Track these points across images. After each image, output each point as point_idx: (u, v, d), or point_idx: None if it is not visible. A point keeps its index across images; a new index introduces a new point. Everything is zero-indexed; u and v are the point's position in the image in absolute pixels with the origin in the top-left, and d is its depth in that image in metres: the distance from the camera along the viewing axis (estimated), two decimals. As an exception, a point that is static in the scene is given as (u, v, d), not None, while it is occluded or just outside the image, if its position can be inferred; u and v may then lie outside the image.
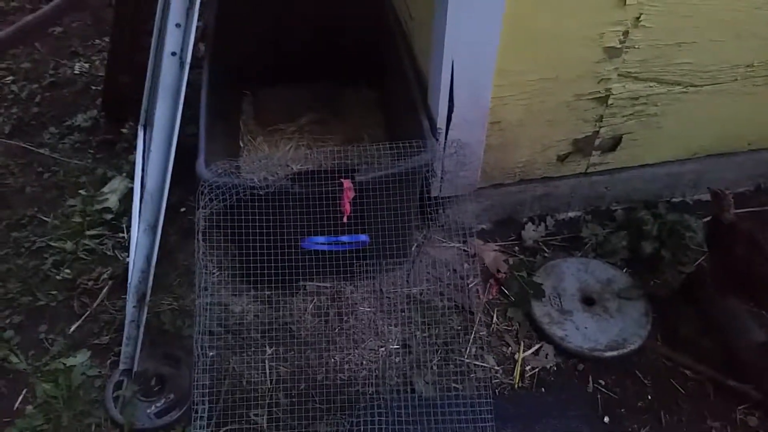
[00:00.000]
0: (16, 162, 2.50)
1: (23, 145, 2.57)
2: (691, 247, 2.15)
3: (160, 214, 1.52)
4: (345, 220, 1.73)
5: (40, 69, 2.95)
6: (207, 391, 1.57)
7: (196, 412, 1.53)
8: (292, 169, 1.78)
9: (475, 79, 1.80)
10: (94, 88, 2.82)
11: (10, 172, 2.46)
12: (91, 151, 2.51)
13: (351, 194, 1.68)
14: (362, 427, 1.62)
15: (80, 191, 2.31)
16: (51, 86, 2.86)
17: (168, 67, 1.41)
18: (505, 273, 2.11)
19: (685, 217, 2.21)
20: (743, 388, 1.82)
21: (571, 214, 2.31)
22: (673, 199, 2.36)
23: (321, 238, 1.74)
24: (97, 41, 3.11)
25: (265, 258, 1.72)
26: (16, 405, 1.78)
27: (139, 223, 1.54)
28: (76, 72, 2.92)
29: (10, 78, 2.92)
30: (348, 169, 1.67)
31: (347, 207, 1.70)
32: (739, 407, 1.80)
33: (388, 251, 1.87)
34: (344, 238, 1.76)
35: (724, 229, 1.87)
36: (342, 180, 1.66)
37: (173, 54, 1.41)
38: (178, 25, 1.39)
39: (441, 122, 1.90)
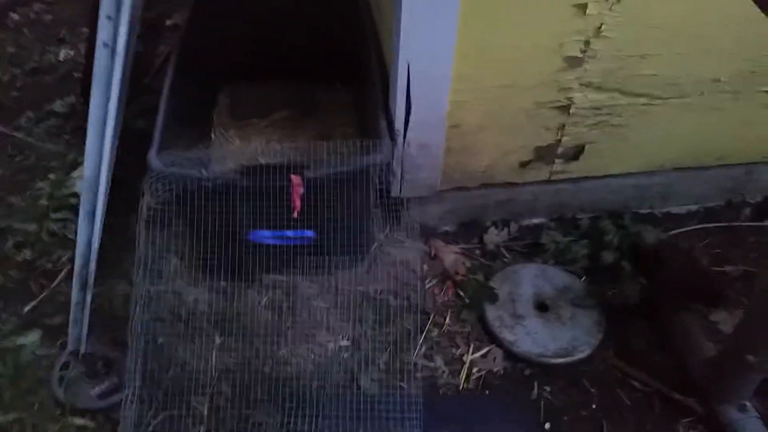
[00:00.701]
0: (-11, 145, 2.55)
1: (-1, 129, 2.61)
2: (651, 259, 2.16)
3: (97, 201, 1.55)
4: (295, 215, 1.74)
5: (25, 55, 3.00)
6: (139, 376, 1.59)
7: (126, 397, 1.56)
8: (241, 163, 1.79)
9: (431, 82, 1.81)
10: (76, 74, 2.86)
11: (-18, 155, 2.50)
12: (66, 137, 2.55)
13: (300, 190, 1.70)
14: (294, 420, 1.64)
15: (50, 175, 2.35)
16: (33, 72, 2.90)
17: (100, 58, 1.44)
18: (463, 276, 2.12)
19: (648, 229, 2.21)
20: (688, 401, 1.82)
21: (535, 221, 2.32)
22: (641, 211, 2.36)
23: (267, 232, 1.76)
24: (85, 29, 3.14)
25: (215, 249, 1.74)
26: (-38, 382, 1.82)
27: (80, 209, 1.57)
28: (60, 59, 2.97)
29: (-6, 62, 2.97)
30: (298, 165, 1.69)
31: (297, 202, 1.72)
32: (683, 420, 1.80)
33: (341, 249, 1.89)
34: (289, 233, 1.78)
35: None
36: (291, 175, 1.68)
37: (105, 45, 1.44)
38: (109, 18, 1.42)
39: (399, 123, 1.91)
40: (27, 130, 2.58)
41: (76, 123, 2.58)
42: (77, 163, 2.36)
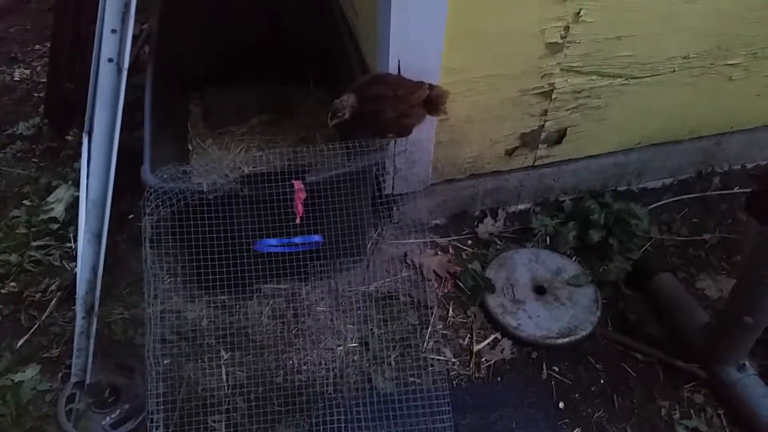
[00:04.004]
0: (-47, 174, 2.42)
1: (-39, 156, 2.48)
2: (637, 234, 2.23)
3: (104, 223, 1.49)
4: (298, 221, 1.72)
5: (-23, 76, 2.86)
6: (162, 399, 1.55)
7: (152, 421, 1.51)
8: (243, 171, 1.76)
9: (422, 77, 1.81)
10: (35, 95, 2.74)
11: (-53, 185, 2.38)
12: (35, 160, 2.45)
13: (303, 195, 1.68)
14: (322, 427, 1.63)
15: (24, 201, 2.25)
16: (-11, 93, 2.78)
17: (105, 73, 1.39)
18: (452, 272, 2.14)
19: (630, 206, 2.28)
20: (690, 367, 1.89)
21: (521, 207, 2.36)
22: (619, 188, 2.43)
23: (273, 240, 1.74)
24: (38, 46, 3.02)
25: (218, 263, 1.70)
26: (-38, 426, 1.74)
27: (83, 232, 1.51)
28: (16, 78, 2.84)
29: (-56, 86, 2.82)
30: (299, 170, 1.67)
31: (299, 208, 1.70)
32: (687, 386, 1.87)
33: (343, 250, 1.88)
34: (297, 239, 1.76)
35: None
36: (293, 181, 1.66)
37: (110, 60, 1.39)
38: (113, 31, 1.37)
39: (390, 120, 1.91)
40: (-8, 156, 2.46)
41: (44, 145, 2.48)
42: (52, 187, 2.27)
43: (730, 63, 2.19)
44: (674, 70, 2.14)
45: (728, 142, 2.45)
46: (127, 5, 1.34)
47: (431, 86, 1.78)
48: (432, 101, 1.78)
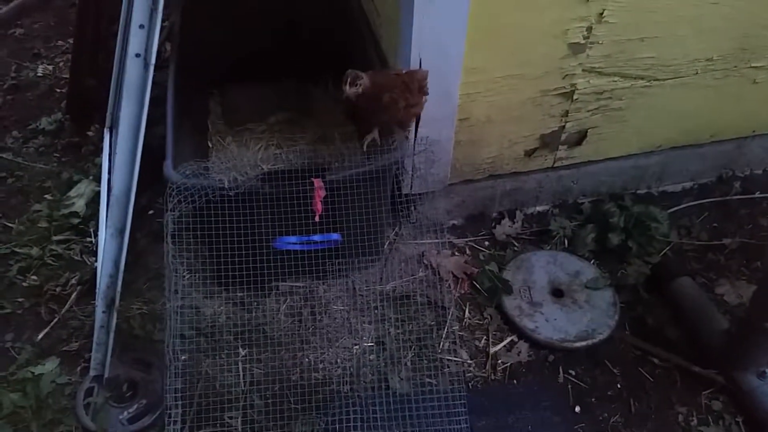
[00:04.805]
0: (-23, 168, 2.45)
1: (-16, 151, 2.52)
2: (656, 237, 2.21)
3: (127, 218, 1.50)
4: (317, 219, 1.72)
5: (1, 71, 2.89)
6: (180, 395, 1.56)
7: (170, 417, 1.52)
8: (263, 169, 1.76)
9: (443, 76, 1.81)
10: (58, 90, 2.76)
11: (-29, 179, 2.41)
12: (57, 155, 2.47)
13: (322, 193, 1.68)
14: (338, 426, 1.63)
15: (46, 196, 2.27)
16: (13, 89, 2.80)
17: (132, 68, 1.40)
18: (469, 273, 2.13)
19: (650, 209, 2.26)
20: (708, 373, 1.87)
21: (539, 208, 2.35)
22: (639, 191, 2.41)
23: (293, 238, 1.74)
24: (60, 42, 3.05)
25: (237, 259, 1.71)
26: (-17, 417, 1.75)
27: (106, 227, 1.52)
28: (39, 74, 2.86)
29: (-31, 81, 2.85)
30: (319, 168, 1.67)
31: (319, 206, 1.70)
32: (705, 392, 1.85)
33: (361, 249, 1.88)
34: (316, 237, 1.76)
35: None
36: (313, 179, 1.66)
37: (137, 55, 1.40)
38: (141, 27, 1.38)
39: (410, 119, 1.91)
40: (15, 150, 2.49)
41: (65, 140, 2.50)
42: (73, 182, 2.29)
43: (755, 66, 2.16)
44: (697, 72, 2.12)
45: (750, 146, 2.42)
46: (155, 1, 1.35)
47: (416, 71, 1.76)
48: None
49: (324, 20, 2.43)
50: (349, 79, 1.66)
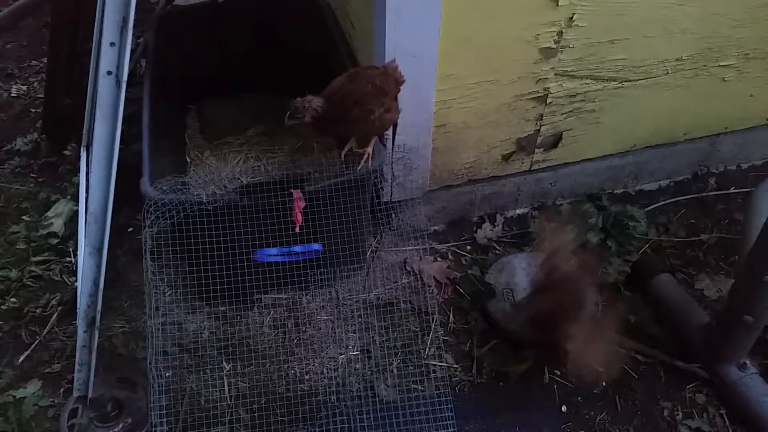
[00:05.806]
0: (-48, 191, 2.42)
1: (-40, 173, 2.48)
2: (635, 236, 2.24)
3: (104, 236, 1.49)
4: (297, 230, 1.73)
5: (-26, 93, 2.87)
6: (165, 412, 1.55)
7: (155, 433, 1.51)
8: (241, 181, 1.76)
9: (418, 84, 1.83)
10: (33, 110, 2.74)
11: (-54, 202, 2.38)
12: (33, 175, 2.45)
13: (301, 204, 1.68)
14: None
15: (23, 217, 2.25)
16: (-13, 110, 2.78)
17: (104, 86, 1.40)
18: (452, 278, 2.14)
19: (628, 208, 2.30)
20: (691, 368, 1.90)
21: (519, 211, 2.37)
22: (616, 191, 2.44)
23: (273, 250, 1.74)
24: (34, 62, 3.03)
25: (218, 273, 1.71)
26: (-36, 444, 1.73)
27: (84, 246, 1.51)
28: (13, 94, 2.84)
29: (-58, 103, 2.82)
30: (297, 179, 1.68)
31: (298, 217, 1.70)
32: (688, 386, 1.88)
33: (343, 258, 1.88)
34: (297, 248, 1.76)
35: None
36: (292, 190, 1.66)
37: (109, 73, 1.39)
38: (112, 44, 1.38)
39: (387, 128, 1.92)
40: (-9, 172, 2.46)
41: (42, 160, 2.48)
42: (51, 202, 2.27)
43: (723, 64, 2.21)
44: (668, 72, 2.16)
45: (723, 143, 2.47)
46: (125, 18, 1.35)
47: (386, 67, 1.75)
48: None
49: (300, 34, 2.44)
50: (288, 113, 1.67)
